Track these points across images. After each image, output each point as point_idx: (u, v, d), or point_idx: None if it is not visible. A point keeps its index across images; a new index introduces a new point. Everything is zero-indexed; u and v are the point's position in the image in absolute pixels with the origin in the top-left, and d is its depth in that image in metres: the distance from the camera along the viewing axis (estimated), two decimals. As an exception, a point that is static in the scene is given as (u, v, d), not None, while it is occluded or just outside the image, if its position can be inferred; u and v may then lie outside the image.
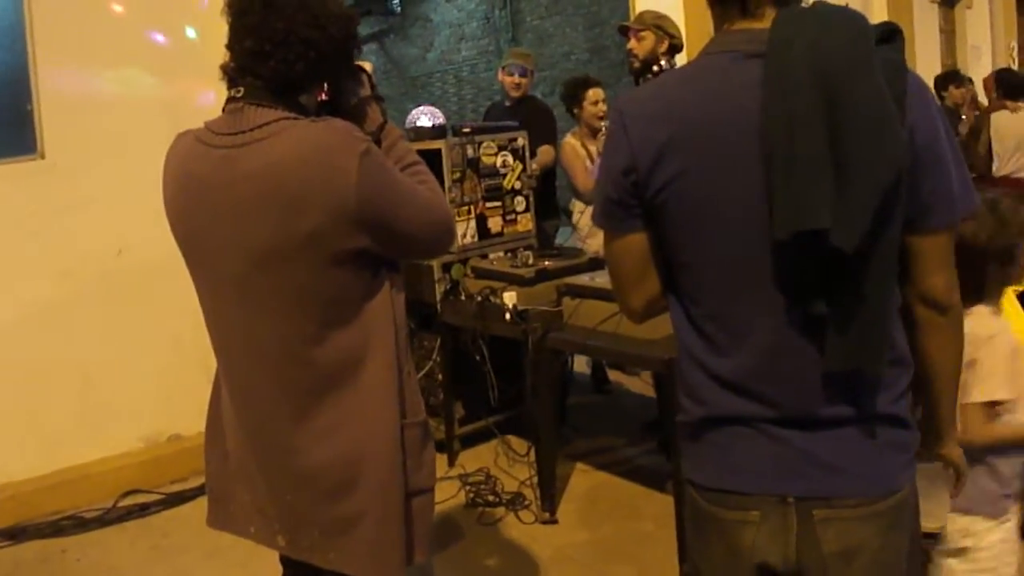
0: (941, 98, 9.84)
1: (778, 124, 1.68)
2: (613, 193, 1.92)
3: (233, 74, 2.32)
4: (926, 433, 2.03)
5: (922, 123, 1.75)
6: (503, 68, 7.40)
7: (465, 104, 20.36)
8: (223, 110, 2.33)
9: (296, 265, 2.20)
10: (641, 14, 5.77)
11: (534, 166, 6.40)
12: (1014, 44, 15.62)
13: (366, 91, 2.56)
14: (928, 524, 2.06)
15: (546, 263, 5.38)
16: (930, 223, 1.81)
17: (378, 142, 2.42)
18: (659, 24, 5.44)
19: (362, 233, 2.20)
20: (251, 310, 2.30)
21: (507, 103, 7.39)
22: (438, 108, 7.08)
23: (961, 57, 14.25)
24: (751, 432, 1.86)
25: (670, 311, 2.00)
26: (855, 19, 1.75)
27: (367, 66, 2.60)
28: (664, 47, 5.41)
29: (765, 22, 1.81)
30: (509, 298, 4.99)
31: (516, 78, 7.27)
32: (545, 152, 6.81)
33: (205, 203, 2.27)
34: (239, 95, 2.28)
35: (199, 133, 2.34)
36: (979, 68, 14.10)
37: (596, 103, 6.59)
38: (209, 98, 5.38)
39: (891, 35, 1.78)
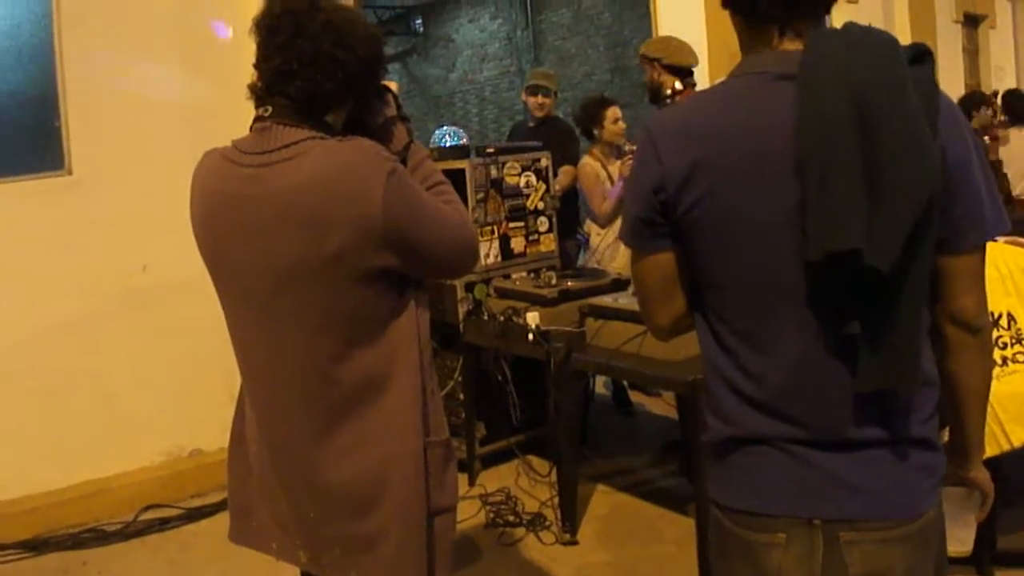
0: (970, 119, 9.80)
1: (812, 144, 1.68)
2: (642, 212, 1.91)
3: (261, 93, 2.33)
4: (953, 455, 2.01)
5: (954, 144, 1.75)
6: (526, 89, 7.44)
7: (487, 124, 20.42)
8: (250, 129, 2.34)
9: (322, 284, 2.21)
10: (644, 45, 5.94)
11: (556, 187, 6.40)
12: (1038, 64, 15.59)
13: (392, 111, 2.56)
14: (955, 548, 2.03)
15: (569, 283, 5.37)
16: (962, 244, 1.81)
17: (404, 162, 2.43)
18: (652, 56, 5.69)
19: (388, 252, 2.21)
20: (277, 328, 2.31)
21: (531, 123, 7.41)
22: (460, 128, 7.12)
23: (985, 77, 14.22)
24: (778, 453, 1.85)
25: (697, 329, 1.99)
26: (887, 40, 1.75)
27: (393, 86, 2.61)
28: (662, 76, 5.59)
29: (792, 44, 1.82)
30: (532, 318, 4.98)
31: (539, 99, 7.31)
32: (567, 173, 6.82)
33: (232, 222, 2.29)
34: (267, 114, 2.29)
35: (226, 152, 2.36)
36: (1003, 88, 14.05)
37: (616, 121, 6.60)
38: (236, 117, 5.42)
39: (922, 56, 1.77)
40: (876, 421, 1.80)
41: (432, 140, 6.83)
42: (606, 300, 4.85)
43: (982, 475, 2.11)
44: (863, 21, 1.84)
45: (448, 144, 6.50)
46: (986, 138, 10.13)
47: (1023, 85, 14.89)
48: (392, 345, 2.31)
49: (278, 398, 2.40)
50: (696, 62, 5.74)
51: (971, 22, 14.17)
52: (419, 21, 22.00)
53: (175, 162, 3.48)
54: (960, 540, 2.08)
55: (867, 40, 1.74)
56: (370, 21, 2.46)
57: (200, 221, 2.39)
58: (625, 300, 4.64)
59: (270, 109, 2.29)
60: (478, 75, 20.87)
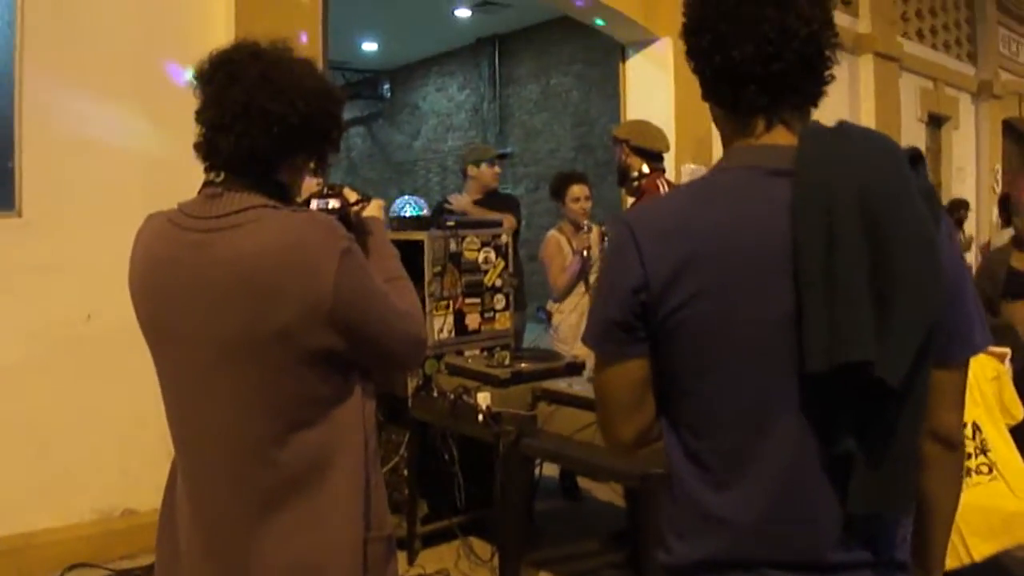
0: (960, 225, 9.87)
1: (815, 246, 1.59)
2: (617, 314, 1.79)
3: (204, 150, 2.26)
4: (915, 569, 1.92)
5: (951, 258, 1.70)
6: (484, 162, 7.35)
7: (448, 194, 20.44)
8: (199, 193, 2.26)
9: (264, 360, 2.11)
10: (616, 126, 6.11)
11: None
12: (998, 167, 15.85)
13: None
14: None
15: (523, 365, 5.25)
16: (952, 358, 1.75)
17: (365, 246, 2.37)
18: (621, 137, 5.79)
19: (334, 334, 2.12)
20: (214, 403, 2.20)
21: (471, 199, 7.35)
22: (421, 196, 7.08)
23: (946, 178, 14.45)
24: None
25: (664, 440, 1.88)
26: (888, 142, 1.69)
27: (377, 211, 2.62)
28: (630, 157, 5.68)
29: (782, 138, 1.74)
30: (483, 398, 4.87)
31: (496, 169, 7.32)
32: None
33: (173, 288, 2.19)
34: (218, 180, 2.21)
35: (171, 215, 2.27)
36: (964, 189, 14.46)
37: (577, 200, 6.67)
38: (192, 166, 5.33)
39: (914, 161, 1.70)
40: (860, 544, 1.71)
41: (392, 209, 6.77)
42: (560, 385, 4.76)
43: None
44: (829, 119, 1.77)
45: (408, 214, 6.46)
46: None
47: (982, 187, 15.19)
48: (335, 431, 2.21)
49: (213, 476, 2.27)
50: (667, 148, 5.80)
51: (935, 122, 14.42)
52: (387, 86, 22.10)
53: (127, 210, 3.38)
54: None
55: (866, 139, 1.67)
56: (334, 82, 2.37)
57: (139, 285, 2.29)
58: (580, 386, 4.55)
59: (222, 175, 2.21)
60: (442, 144, 20.94)
